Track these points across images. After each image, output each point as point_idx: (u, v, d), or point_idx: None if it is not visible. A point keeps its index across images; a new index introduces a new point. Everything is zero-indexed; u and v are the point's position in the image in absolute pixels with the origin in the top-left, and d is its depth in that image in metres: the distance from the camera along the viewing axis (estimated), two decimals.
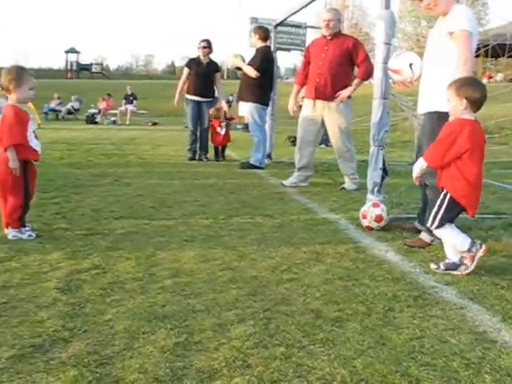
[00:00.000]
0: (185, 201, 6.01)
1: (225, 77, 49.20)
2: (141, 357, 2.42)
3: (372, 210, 4.87)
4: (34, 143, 4.40)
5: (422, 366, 2.38)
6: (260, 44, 9.11)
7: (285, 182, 7.42)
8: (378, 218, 4.85)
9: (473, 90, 3.65)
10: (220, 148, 10.42)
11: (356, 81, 7.09)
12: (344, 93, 7.00)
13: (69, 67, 64.67)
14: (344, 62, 7.03)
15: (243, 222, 5.01)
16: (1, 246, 4.06)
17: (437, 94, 4.11)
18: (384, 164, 5.28)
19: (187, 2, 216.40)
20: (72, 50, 66.54)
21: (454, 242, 3.73)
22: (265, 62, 8.97)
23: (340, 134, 7.17)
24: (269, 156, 9.85)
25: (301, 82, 7.48)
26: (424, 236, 4.39)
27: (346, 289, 3.35)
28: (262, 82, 8.89)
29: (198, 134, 10.19)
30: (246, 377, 2.26)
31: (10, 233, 4.35)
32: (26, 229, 4.40)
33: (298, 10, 9.10)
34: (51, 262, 3.74)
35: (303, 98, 7.65)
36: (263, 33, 9.14)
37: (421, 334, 2.71)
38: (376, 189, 5.21)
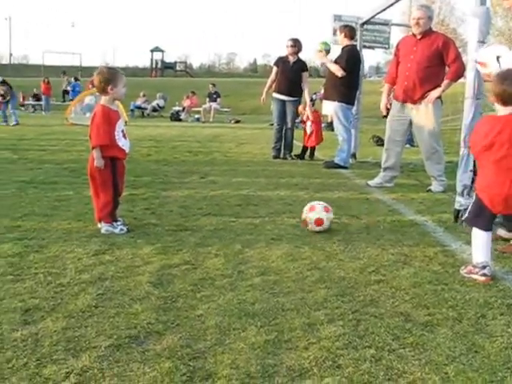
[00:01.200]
0: (271, 199, 6.06)
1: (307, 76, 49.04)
2: (232, 352, 2.47)
3: (308, 215, 4.71)
4: (122, 142, 4.54)
5: None
6: (346, 42, 9.05)
7: (370, 182, 7.35)
8: (319, 221, 4.67)
9: None
10: (309, 149, 10.34)
11: (445, 82, 6.80)
12: (432, 94, 6.79)
13: (154, 65, 66.18)
14: (434, 63, 6.78)
15: None
16: (95, 240, 4.23)
17: None
18: (474, 166, 5.14)
19: (268, 2, 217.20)
20: (157, 49, 68.17)
21: None
22: (351, 61, 8.91)
23: (428, 136, 6.98)
24: (353, 156, 9.78)
25: (391, 82, 7.34)
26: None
27: (435, 293, 3.30)
28: (348, 81, 8.84)
29: (283, 132, 10.23)
30: (336, 377, 2.27)
31: (103, 227, 4.52)
32: (118, 223, 4.56)
33: (386, 8, 8.98)
34: (143, 256, 3.87)
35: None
36: (349, 31, 9.07)
37: None
38: (466, 191, 5.10)
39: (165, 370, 2.30)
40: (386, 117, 7.65)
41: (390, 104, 7.43)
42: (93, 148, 4.47)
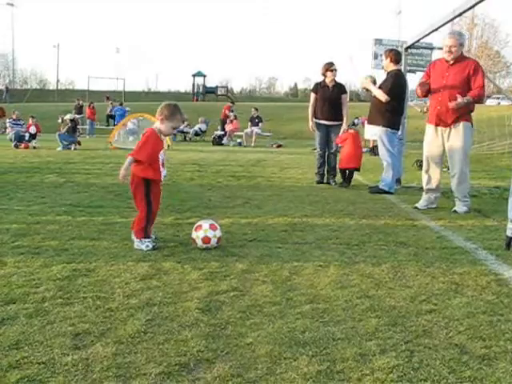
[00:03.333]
0: (316, 225, 6.01)
1: (347, 99, 49.06)
2: (284, 383, 2.43)
3: (195, 233, 4.82)
4: (160, 169, 4.94)
5: None
6: (392, 67, 9.00)
7: (418, 205, 7.43)
8: (206, 240, 4.77)
9: None
10: (347, 172, 10.20)
11: (469, 97, 6.89)
12: (455, 103, 6.87)
13: (195, 90, 66.92)
14: (465, 88, 6.94)
15: (377, 249, 4.93)
16: (142, 264, 4.24)
17: None
18: None
19: (310, 24, 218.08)
20: (199, 74, 68.92)
21: None
22: (396, 86, 8.85)
23: (459, 158, 7.12)
24: (398, 181, 9.67)
25: (422, 95, 7.52)
26: None
27: (491, 324, 3.20)
28: (392, 106, 8.78)
29: (326, 157, 10.18)
30: None
31: (134, 242, 4.81)
32: (147, 240, 4.76)
33: (431, 32, 8.93)
34: (190, 281, 3.86)
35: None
36: (395, 55, 9.02)
37: None
38: None
39: None
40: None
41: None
42: (129, 157, 4.77)
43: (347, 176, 9.97)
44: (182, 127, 27.61)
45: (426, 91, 7.34)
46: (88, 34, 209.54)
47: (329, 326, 3.10)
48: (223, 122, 27.68)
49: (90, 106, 31.15)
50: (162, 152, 4.97)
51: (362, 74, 10.60)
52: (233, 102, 35.62)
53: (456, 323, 3.20)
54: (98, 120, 32.82)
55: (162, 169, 4.94)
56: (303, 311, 3.32)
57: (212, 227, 4.82)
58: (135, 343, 2.81)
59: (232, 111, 27.89)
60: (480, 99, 7.07)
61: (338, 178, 10.08)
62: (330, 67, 10.07)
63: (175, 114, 4.89)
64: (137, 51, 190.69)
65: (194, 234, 4.82)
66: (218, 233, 4.83)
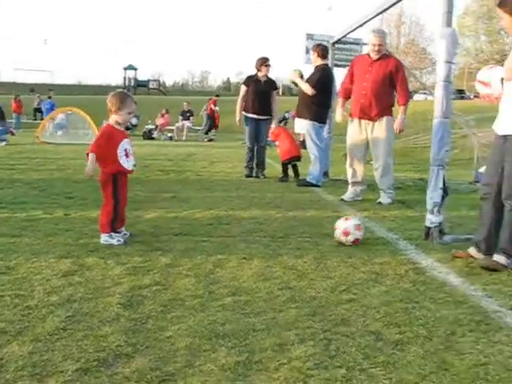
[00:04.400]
0: (243, 218, 6.04)
1: (280, 93, 49.33)
2: (202, 375, 2.44)
3: (356, 232, 4.95)
4: (123, 160, 4.82)
5: None
6: (319, 62, 9.12)
7: (344, 198, 7.63)
8: (356, 241, 4.93)
9: None
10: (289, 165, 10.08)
11: (401, 108, 7.37)
12: (399, 127, 7.38)
13: (127, 84, 66.04)
14: (387, 83, 7.30)
15: (301, 241, 5.01)
16: (64, 261, 4.16)
17: None
18: (444, 184, 5.20)
19: (242, 19, 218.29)
20: (130, 67, 68.12)
21: None
22: (322, 80, 8.98)
23: (382, 151, 7.38)
24: (325, 174, 9.82)
25: (346, 96, 7.77)
26: (499, 258, 4.27)
27: (406, 311, 3.30)
28: (320, 100, 8.91)
29: (255, 151, 10.25)
30: None
31: (102, 237, 4.78)
32: (117, 235, 4.76)
33: (357, 28, 9.08)
34: (113, 277, 3.82)
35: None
36: (322, 51, 9.16)
37: (485, 361, 2.64)
38: (436, 209, 5.14)
39: None
40: None
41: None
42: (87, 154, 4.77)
43: (293, 170, 10.00)
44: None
45: (348, 95, 7.66)
46: (14, 25, 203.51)
47: (249, 317, 3.14)
48: (210, 118, 26.89)
49: (15, 99, 30.25)
50: (126, 141, 4.91)
51: (290, 67, 10.67)
52: (164, 94, 35.21)
53: (373, 311, 3.29)
54: (25, 114, 31.92)
55: (130, 158, 4.89)
56: (225, 304, 3.35)
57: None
58: (53, 341, 2.76)
59: (216, 105, 27.27)
60: (408, 97, 7.44)
61: (275, 172, 10.12)
62: (265, 62, 10.13)
63: (125, 99, 4.89)
64: (66, 43, 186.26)
65: (358, 234, 4.95)
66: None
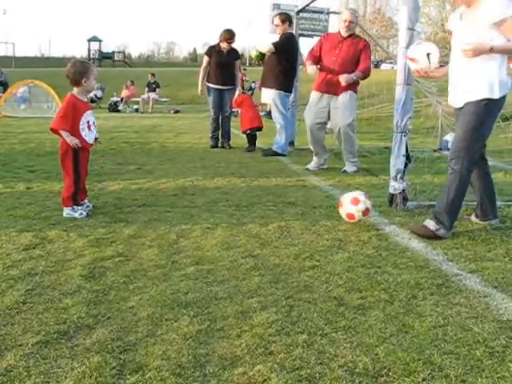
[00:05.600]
0: (207, 188, 6.02)
1: (247, 64, 49.00)
2: (164, 343, 2.44)
3: (355, 208, 4.56)
4: (85, 133, 4.75)
5: (445, 354, 2.37)
6: (283, 30, 9.04)
7: (309, 167, 7.67)
8: (366, 212, 4.60)
9: None
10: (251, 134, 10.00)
11: (358, 72, 7.27)
12: (345, 79, 7.18)
13: (91, 56, 64.95)
14: (355, 61, 7.31)
15: (265, 210, 5.01)
16: (25, 234, 4.11)
17: (481, 83, 4.10)
18: (407, 151, 5.23)
19: None
20: (94, 39, 67.00)
21: None
22: (286, 45, 8.91)
23: (345, 123, 7.37)
24: (291, 143, 9.82)
25: (314, 62, 7.56)
26: (429, 223, 4.32)
27: (368, 276, 3.34)
28: (285, 69, 8.85)
29: (220, 121, 10.19)
30: (268, 364, 2.27)
31: (64, 210, 4.72)
32: (79, 208, 4.71)
33: None
34: (75, 249, 3.78)
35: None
36: (286, 18, 9.08)
37: (444, 322, 2.70)
38: (399, 176, 5.18)
39: (94, 364, 2.25)
40: None
41: None
42: (51, 130, 4.70)
43: (251, 138, 9.95)
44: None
45: (315, 62, 7.56)
46: None
47: (212, 286, 3.14)
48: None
49: None
50: (89, 113, 4.84)
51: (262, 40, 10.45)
52: (130, 66, 34.62)
53: (336, 277, 3.31)
54: None
55: (92, 131, 4.83)
56: (187, 273, 3.34)
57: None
58: (13, 314, 2.73)
59: (245, 77, 26.41)
60: (367, 75, 7.38)
61: (240, 142, 10.06)
62: (228, 39, 9.95)
63: (88, 66, 4.85)
64: (27, 13, 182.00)
65: (354, 209, 4.53)
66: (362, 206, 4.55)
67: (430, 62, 4.51)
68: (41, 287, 3.10)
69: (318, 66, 7.52)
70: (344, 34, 7.36)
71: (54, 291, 3.04)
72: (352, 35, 7.42)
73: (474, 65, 4.12)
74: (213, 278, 3.26)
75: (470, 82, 4.18)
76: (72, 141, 4.60)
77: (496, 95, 4.12)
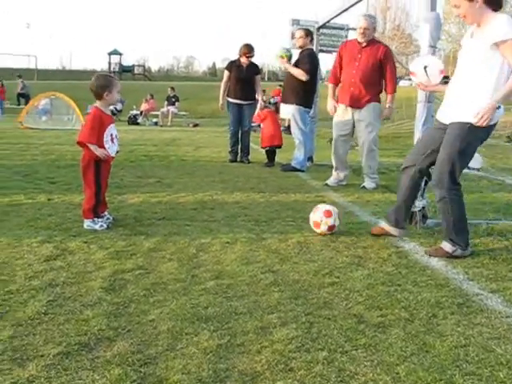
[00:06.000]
0: (226, 202, 6.04)
1: (265, 78, 49.18)
2: (184, 358, 2.45)
3: (324, 219, 4.74)
4: (108, 145, 4.78)
5: (467, 375, 2.35)
6: (304, 44, 9.05)
7: (328, 182, 7.66)
8: (331, 227, 4.75)
9: None
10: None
11: (389, 97, 7.43)
12: (387, 115, 7.60)
13: (112, 69, 65.51)
14: (376, 70, 7.28)
15: (285, 225, 5.01)
16: (47, 246, 4.14)
17: (471, 106, 4.01)
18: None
19: (228, 5, 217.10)
20: (115, 52, 67.55)
21: None
22: (313, 65, 8.95)
23: (368, 137, 7.40)
24: (310, 159, 9.82)
25: (336, 82, 7.68)
26: (445, 246, 4.29)
27: (388, 294, 3.32)
28: (306, 85, 8.86)
29: (240, 135, 10.22)
30: (288, 380, 2.27)
31: (85, 222, 4.77)
32: (99, 220, 4.75)
33: (341, 13, 9.06)
34: (95, 261, 3.81)
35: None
36: (309, 34, 9.10)
37: (465, 342, 2.67)
38: (419, 193, 5.15)
39: (114, 377, 2.26)
40: None
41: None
42: (78, 143, 4.77)
43: (270, 154, 9.93)
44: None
45: (339, 80, 7.60)
46: None
47: (232, 300, 3.14)
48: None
49: None
50: (113, 126, 4.88)
51: (276, 48, 10.51)
52: (149, 79, 34.88)
53: (356, 294, 3.30)
54: (8, 99, 31.55)
55: (114, 143, 4.87)
56: (207, 287, 3.35)
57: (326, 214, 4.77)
58: (34, 325, 2.75)
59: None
60: (395, 90, 7.42)
61: (259, 157, 10.08)
62: (247, 53, 10.03)
63: (111, 79, 4.91)
64: (49, 27, 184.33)
65: (324, 220, 4.73)
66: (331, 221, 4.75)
67: (427, 75, 4.52)
68: (62, 298, 3.12)
69: (337, 105, 7.55)
70: (361, 41, 7.29)
71: (74, 302, 3.06)
72: (371, 42, 7.32)
73: (470, 86, 4.09)
74: (232, 293, 3.26)
75: (462, 102, 4.14)
76: (102, 153, 4.66)
77: None
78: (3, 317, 2.83)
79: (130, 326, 2.76)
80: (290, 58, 9.51)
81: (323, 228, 4.72)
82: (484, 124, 3.94)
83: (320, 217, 4.75)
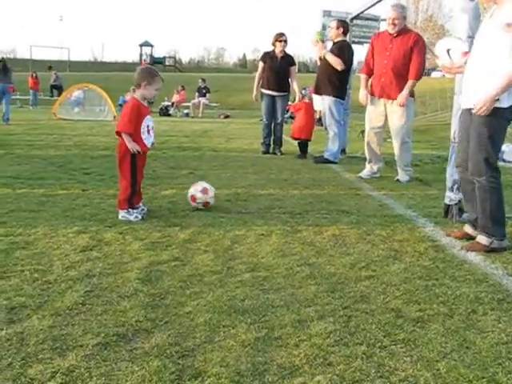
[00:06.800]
0: (260, 194, 6.03)
1: (296, 70, 48.96)
2: (222, 350, 2.44)
3: (202, 196, 5.17)
4: (145, 136, 4.83)
5: (511, 374, 2.30)
6: (341, 38, 8.98)
7: (362, 175, 7.59)
8: (206, 204, 5.19)
9: None
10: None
11: (409, 82, 7.10)
12: (401, 99, 7.10)
13: (143, 60, 65.83)
14: (407, 59, 7.10)
15: (319, 218, 4.98)
16: (82, 236, 4.17)
17: (490, 88, 3.94)
18: None
19: None
20: (146, 44, 67.86)
21: None
22: (351, 57, 8.91)
23: (401, 129, 7.29)
24: (343, 151, 9.76)
25: (369, 73, 7.57)
26: (481, 239, 4.21)
27: (426, 289, 3.28)
28: (341, 76, 8.81)
29: (272, 127, 10.19)
30: (327, 375, 2.25)
31: (120, 213, 4.80)
32: (135, 211, 4.78)
33: (375, 4, 8.97)
34: (131, 252, 3.82)
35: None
36: (345, 27, 9.02)
37: (507, 340, 2.62)
38: (455, 186, 5.08)
39: (153, 368, 2.27)
40: None
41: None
42: (116, 133, 4.80)
43: (302, 146, 9.90)
44: (128, 98, 27.16)
45: (372, 72, 7.48)
46: (29, 1, 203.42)
47: (268, 293, 3.13)
48: None
49: (32, 75, 30.19)
50: (149, 117, 4.90)
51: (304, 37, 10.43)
52: (180, 71, 34.99)
53: (393, 288, 3.27)
54: (42, 90, 31.92)
55: (150, 135, 4.90)
56: (243, 279, 3.34)
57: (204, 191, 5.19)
58: (73, 315, 2.77)
59: None
60: (419, 77, 7.17)
61: (291, 149, 10.04)
62: (279, 38, 10.01)
63: (155, 75, 4.91)
64: (81, 20, 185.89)
65: (200, 196, 5.16)
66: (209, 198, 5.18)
67: (450, 58, 4.42)
68: (99, 289, 3.14)
69: (369, 99, 7.46)
70: (391, 32, 7.16)
71: (111, 293, 3.07)
72: (402, 31, 7.16)
73: (487, 69, 3.99)
74: (269, 286, 3.25)
75: (479, 86, 4.04)
76: (133, 147, 4.68)
77: (504, 104, 3.99)
78: (42, 306, 2.86)
79: (167, 318, 2.77)
80: (323, 41, 9.43)
81: (199, 203, 5.15)
82: (485, 113, 3.93)
83: (197, 193, 5.16)
